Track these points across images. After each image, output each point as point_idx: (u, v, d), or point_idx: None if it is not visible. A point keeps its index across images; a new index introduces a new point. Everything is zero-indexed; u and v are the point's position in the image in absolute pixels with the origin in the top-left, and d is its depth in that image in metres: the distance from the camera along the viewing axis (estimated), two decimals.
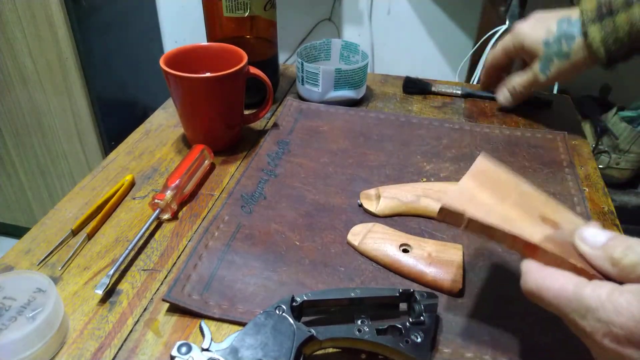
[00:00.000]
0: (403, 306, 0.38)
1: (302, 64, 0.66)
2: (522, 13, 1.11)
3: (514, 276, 0.42)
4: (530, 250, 0.31)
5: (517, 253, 0.32)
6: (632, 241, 0.28)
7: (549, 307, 0.29)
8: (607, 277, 0.28)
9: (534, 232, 0.31)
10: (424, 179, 0.53)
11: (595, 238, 0.29)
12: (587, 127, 1.26)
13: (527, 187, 0.36)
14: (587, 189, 0.53)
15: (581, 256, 0.30)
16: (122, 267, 0.43)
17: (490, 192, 0.34)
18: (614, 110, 1.23)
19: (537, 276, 0.30)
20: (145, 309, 0.39)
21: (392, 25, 1.41)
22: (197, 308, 0.38)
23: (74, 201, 0.51)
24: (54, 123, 1.28)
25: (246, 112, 0.61)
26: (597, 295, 0.26)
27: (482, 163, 0.37)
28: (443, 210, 0.33)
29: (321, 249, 0.44)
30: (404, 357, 0.34)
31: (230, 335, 0.33)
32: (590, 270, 0.29)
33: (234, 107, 0.57)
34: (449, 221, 0.34)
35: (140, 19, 1.42)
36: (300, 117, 0.64)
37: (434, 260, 0.42)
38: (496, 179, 0.36)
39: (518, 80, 0.63)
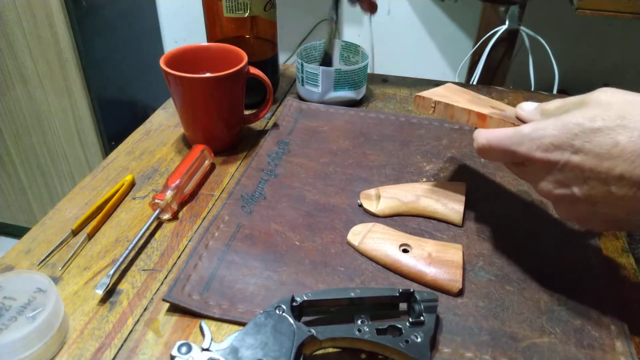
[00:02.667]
0: (403, 306, 0.38)
1: (302, 65, 0.66)
2: (522, 13, 1.12)
3: (514, 276, 0.42)
4: (482, 120, 0.41)
5: (473, 125, 0.42)
6: (556, 99, 0.37)
7: (496, 152, 0.37)
8: None
9: (484, 110, 0.42)
10: (424, 179, 0.53)
11: (530, 105, 0.40)
12: None
13: (485, 96, 0.49)
14: None
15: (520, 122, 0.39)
16: (123, 267, 0.43)
17: (454, 94, 0.47)
18: None
19: (484, 133, 0.38)
20: (145, 309, 0.39)
21: (392, 25, 1.41)
22: (197, 308, 0.38)
23: (74, 201, 0.51)
24: (54, 123, 1.28)
25: (246, 112, 0.61)
26: (530, 125, 0.35)
27: (452, 85, 0.51)
28: (417, 97, 0.45)
29: (321, 249, 0.44)
30: (404, 357, 0.34)
31: (230, 335, 0.33)
32: None
33: (234, 107, 0.57)
34: (421, 108, 0.45)
35: (140, 19, 1.42)
36: (300, 117, 0.64)
37: (434, 260, 0.42)
38: (461, 91, 0.49)
39: None
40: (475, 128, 0.40)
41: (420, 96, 0.45)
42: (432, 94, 0.46)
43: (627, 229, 0.40)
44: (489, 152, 0.38)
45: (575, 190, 0.33)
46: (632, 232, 0.44)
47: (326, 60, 0.69)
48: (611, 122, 0.31)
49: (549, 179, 0.35)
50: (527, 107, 0.39)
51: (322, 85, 0.66)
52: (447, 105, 0.43)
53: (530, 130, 0.34)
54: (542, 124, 0.34)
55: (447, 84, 0.51)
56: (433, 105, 0.44)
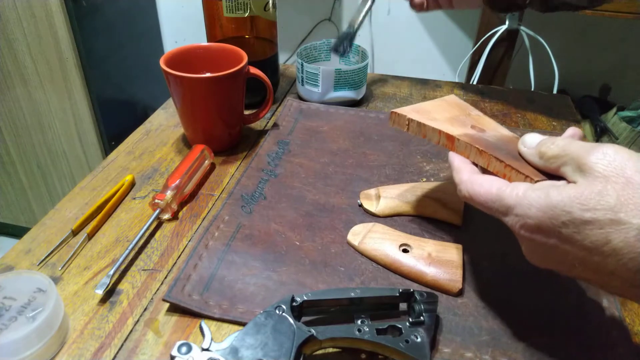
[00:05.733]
0: (403, 306, 0.38)
1: (302, 65, 0.66)
2: (522, 13, 1.12)
3: (514, 276, 0.42)
4: (450, 142, 0.40)
5: (445, 147, 0.41)
6: (559, 138, 0.33)
7: (481, 209, 0.34)
8: (540, 171, 0.33)
9: (455, 131, 0.40)
10: (424, 179, 0.54)
11: (532, 140, 0.35)
12: (587, 127, 1.26)
13: (477, 112, 0.45)
14: None
15: (518, 158, 0.36)
16: (123, 267, 0.43)
17: (438, 109, 0.45)
18: (614, 110, 1.23)
19: (468, 186, 0.35)
20: (145, 309, 0.39)
21: (392, 25, 1.41)
22: (197, 308, 0.38)
23: (74, 201, 0.51)
24: (54, 123, 1.28)
25: (246, 112, 0.61)
26: (515, 194, 0.31)
27: (451, 97, 0.48)
28: (392, 114, 0.44)
29: (321, 249, 0.44)
30: (403, 357, 0.34)
31: (230, 335, 0.33)
32: (512, 164, 0.35)
33: (234, 107, 0.57)
34: (396, 124, 0.44)
35: (140, 19, 1.42)
36: (300, 117, 0.64)
37: (434, 260, 0.42)
38: (454, 104, 0.47)
39: None
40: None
41: (395, 112, 0.44)
42: (415, 109, 0.44)
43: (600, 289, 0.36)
44: (473, 204, 0.35)
45: (557, 259, 0.31)
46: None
47: (344, 40, 0.63)
48: (604, 216, 0.27)
49: (528, 245, 0.32)
50: (529, 142, 0.35)
51: (322, 85, 0.66)
52: (419, 124, 0.42)
53: (514, 204, 0.31)
54: (527, 198, 0.30)
55: (449, 97, 0.48)
56: (407, 122, 0.43)
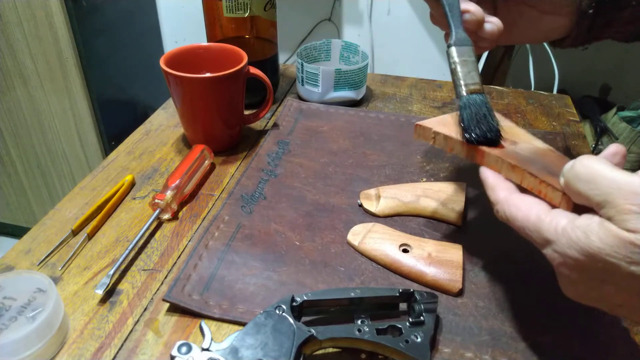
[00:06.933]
0: (403, 306, 0.38)
1: (302, 65, 0.66)
2: None
3: (514, 276, 0.42)
4: (480, 156, 0.38)
5: (473, 161, 0.39)
6: (584, 158, 0.28)
7: (519, 233, 0.32)
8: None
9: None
10: (424, 179, 0.53)
11: (581, 168, 0.29)
12: (587, 127, 1.27)
13: (508, 123, 0.42)
14: None
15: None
16: (122, 267, 0.43)
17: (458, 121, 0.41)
18: (614, 110, 1.23)
19: (504, 207, 0.33)
20: (145, 309, 0.39)
21: (392, 25, 1.41)
22: (197, 308, 0.38)
23: (74, 201, 0.51)
24: (54, 123, 1.28)
25: (246, 112, 0.61)
26: (554, 227, 0.29)
27: None
28: (417, 127, 0.42)
29: (321, 249, 0.44)
30: (403, 357, 0.34)
31: (230, 335, 0.33)
32: (548, 180, 0.32)
33: (234, 107, 0.57)
34: (421, 138, 0.42)
35: (140, 19, 1.42)
36: (300, 117, 0.64)
37: (434, 260, 0.42)
38: None
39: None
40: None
41: (419, 125, 0.42)
42: (440, 121, 0.42)
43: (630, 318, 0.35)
44: (509, 225, 0.33)
45: (599, 298, 0.29)
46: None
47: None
48: None
49: (566, 281, 0.30)
50: (566, 167, 0.30)
51: (322, 86, 0.66)
52: (446, 137, 0.40)
53: (554, 239, 0.29)
54: (568, 237, 0.28)
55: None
56: (433, 135, 0.41)
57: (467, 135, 0.39)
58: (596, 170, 0.27)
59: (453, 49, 0.41)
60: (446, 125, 0.41)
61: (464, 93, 0.40)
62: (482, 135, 0.38)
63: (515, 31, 0.47)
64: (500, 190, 0.34)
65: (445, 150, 0.40)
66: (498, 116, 0.40)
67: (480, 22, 0.42)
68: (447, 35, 0.42)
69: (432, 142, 0.41)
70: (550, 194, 0.32)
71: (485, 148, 0.37)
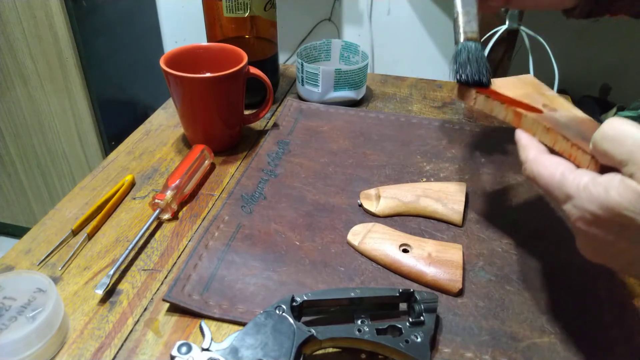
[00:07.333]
0: (403, 306, 0.38)
1: (302, 65, 0.66)
2: (522, 13, 1.12)
3: (514, 276, 0.42)
4: (517, 118, 0.38)
5: (511, 123, 0.39)
6: (613, 119, 0.29)
7: (543, 192, 0.33)
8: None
9: (522, 108, 0.39)
10: (424, 179, 0.53)
11: (611, 133, 0.30)
12: None
13: (552, 92, 0.43)
14: None
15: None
16: (122, 267, 0.43)
17: (509, 85, 0.43)
18: (614, 110, 1.23)
19: (532, 165, 0.34)
20: (145, 309, 0.39)
21: (392, 25, 1.41)
22: (197, 308, 0.38)
23: (74, 201, 0.51)
24: (54, 123, 1.28)
25: (246, 112, 0.61)
26: (576, 184, 0.30)
27: (527, 76, 0.46)
28: (460, 87, 0.43)
29: (321, 249, 0.44)
30: (403, 357, 0.34)
31: (230, 335, 0.33)
32: (579, 144, 0.33)
33: (234, 107, 0.57)
34: (463, 98, 0.43)
35: (140, 19, 1.42)
36: (300, 117, 0.64)
37: (434, 260, 0.42)
38: (528, 82, 0.44)
39: None
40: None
41: (463, 85, 0.43)
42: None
43: None
44: (536, 185, 0.34)
45: (613, 255, 0.30)
46: None
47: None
48: None
49: (583, 238, 0.31)
50: (598, 137, 0.30)
51: (322, 86, 0.66)
52: (487, 98, 0.41)
53: (574, 194, 0.30)
54: (588, 192, 0.29)
55: (525, 75, 0.46)
56: (474, 96, 0.42)
57: (457, 76, 0.42)
58: (623, 129, 0.28)
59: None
60: (493, 87, 0.43)
61: (462, 40, 0.43)
62: (472, 76, 0.42)
63: None
64: (531, 149, 0.35)
65: (485, 111, 0.42)
66: (545, 86, 0.43)
67: None
68: None
69: (473, 104, 0.42)
70: (580, 157, 0.33)
71: (522, 110, 0.38)
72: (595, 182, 0.29)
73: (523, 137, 0.37)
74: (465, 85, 0.42)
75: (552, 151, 0.36)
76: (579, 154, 0.33)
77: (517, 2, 0.51)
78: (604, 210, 0.28)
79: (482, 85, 0.42)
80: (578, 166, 0.32)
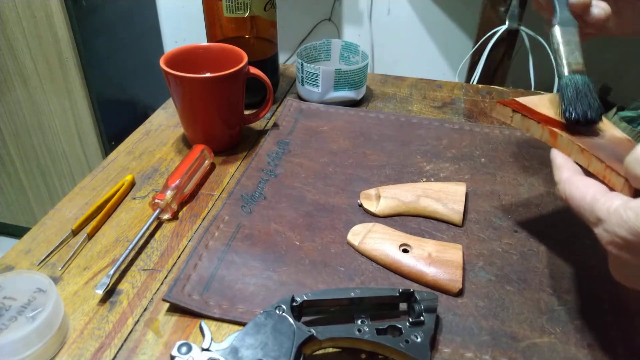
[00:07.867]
0: (403, 306, 0.38)
1: (302, 65, 0.66)
2: (522, 13, 1.12)
3: (514, 276, 0.42)
4: (553, 138, 0.38)
5: (546, 142, 0.39)
6: None
7: (575, 213, 0.33)
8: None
9: (558, 128, 0.38)
10: (424, 179, 0.53)
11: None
12: None
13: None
14: None
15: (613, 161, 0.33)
16: (122, 267, 0.43)
17: (546, 103, 0.43)
18: (614, 110, 1.23)
19: (565, 186, 0.34)
20: (145, 309, 0.39)
21: (392, 25, 1.41)
22: (197, 308, 0.38)
23: (74, 201, 0.51)
24: (54, 123, 1.28)
25: (246, 112, 0.61)
26: (607, 207, 0.30)
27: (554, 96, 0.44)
28: (497, 104, 0.43)
29: (321, 249, 0.44)
30: (403, 357, 0.34)
31: (230, 335, 0.33)
32: (614, 166, 0.33)
33: (234, 107, 0.57)
34: (500, 115, 0.43)
35: (140, 19, 1.42)
36: (300, 117, 0.64)
37: (434, 260, 0.42)
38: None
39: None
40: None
41: (500, 103, 0.43)
42: (521, 102, 0.43)
43: None
44: (567, 205, 0.34)
45: None
46: None
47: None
48: None
49: (615, 261, 0.31)
50: (631, 160, 0.30)
51: (322, 85, 0.66)
52: (523, 117, 0.41)
53: (605, 218, 0.30)
54: (619, 216, 0.28)
55: (551, 94, 0.44)
56: (511, 115, 0.42)
57: (567, 114, 0.39)
58: None
59: (557, 28, 0.41)
60: (530, 104, 0.42)
61: (566, 72, 0.40)
62: (583, 114, 0.38)
63: (625, 21, 0.46)
64: (565, 170, 0.35)
65: (521, 130, 0.41)
66: None
67: (587, 5, 0.42)
68: (549, 22, 0.43)
69: (510, 122, 0.42)
70: (614, 179, 0.32)
71: (558, 130, 0.38)
72: (627, 206, 0.28)
73: (558, 157, 0.37)
74: (504, 106, 0.42)
75: (588, 172, 0.35)
76: (613, 176, 0.33)
77: (617, 29, 0.48)
78: (635, 235, 0.27)
79: (594, 123, 0.39)
80: (612, 189, 0.32)
